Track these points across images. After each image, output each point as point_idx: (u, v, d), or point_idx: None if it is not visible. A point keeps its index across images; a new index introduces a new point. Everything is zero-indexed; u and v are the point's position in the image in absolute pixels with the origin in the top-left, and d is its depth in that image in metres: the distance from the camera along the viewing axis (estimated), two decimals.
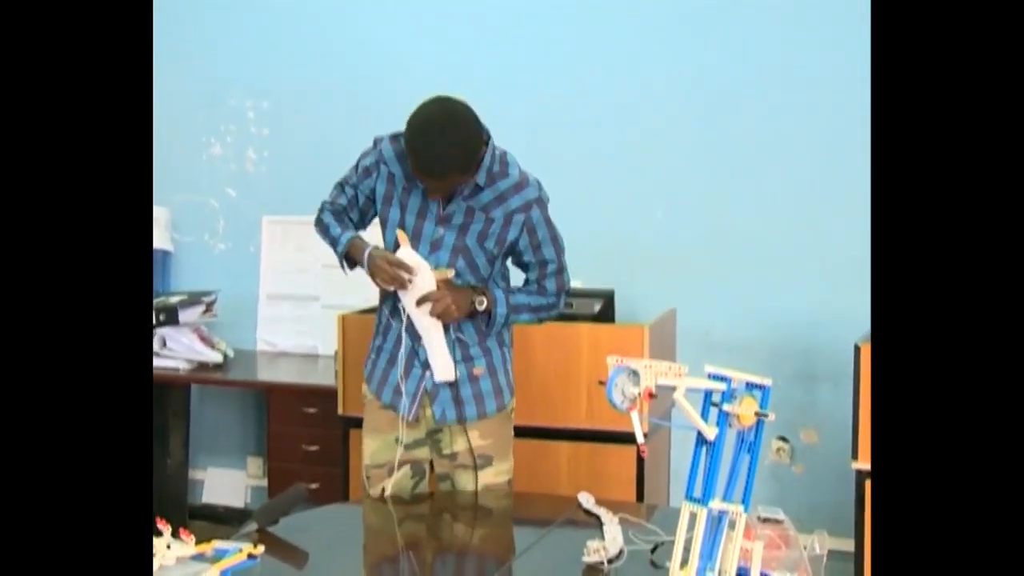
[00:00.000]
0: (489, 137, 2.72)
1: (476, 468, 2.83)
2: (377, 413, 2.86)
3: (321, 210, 2.89)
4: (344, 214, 2.86)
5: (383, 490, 2.85)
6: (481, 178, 2.69)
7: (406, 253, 2.68)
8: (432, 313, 2.67)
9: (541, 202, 2.76)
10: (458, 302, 2.69)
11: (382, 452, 2.84)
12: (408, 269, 2.66)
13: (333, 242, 2.83)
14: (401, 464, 2.83)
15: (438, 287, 2.67)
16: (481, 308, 2.73)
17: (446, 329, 2.75)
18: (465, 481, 2.85)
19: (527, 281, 2.86)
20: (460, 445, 2.84)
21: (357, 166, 2.83)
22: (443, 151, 2.53)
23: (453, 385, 2.79)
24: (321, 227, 2.88)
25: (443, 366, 2.75)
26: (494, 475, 2.85)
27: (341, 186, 2.88)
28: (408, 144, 2.57)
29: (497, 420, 2.86)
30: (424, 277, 2.67)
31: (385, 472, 2.85)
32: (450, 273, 2.70)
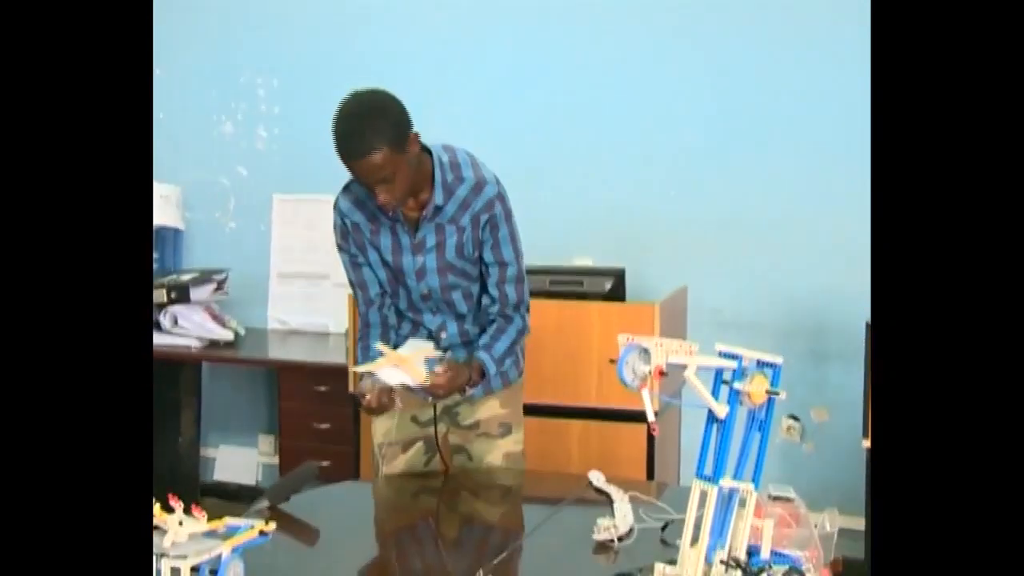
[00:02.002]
0: (430, 152, 2.63)
1: (500, 436, 2.84)
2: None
3: (362, 324, 2.83)
4: (382, 299, 2.80)
5: (395, 466, 2.85)
6: (439, 198, 2.62)
7: (387, 375, 2.57)
8: (426, 394, 2.64)
9: (502, 197, 2.68)
10: (449, 385, 2.61)
11: (397, 430, 2.84)
12: (391, 397, 2.60)
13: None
14: (416, 441, 2.85)
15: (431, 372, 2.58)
16: (472, 389, 2.71)
17: (461, 318, 2.77)
18: (483, 450, 2.86)
19: (489, 296, 2.76)
20: (483, 414, 2.83)
21: (340, 247, 2.78)
22: (367, 126, 2.44)
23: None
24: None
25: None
26: (513, 443, 2.87)
27: (351, 282, 2.82)
28: (334, 137, 2.48)
29: (514, 389, 2.87)
30: (410, 372, 2.56)
31: (399, 449, 2.85)
32: (435, 353, 2.63)
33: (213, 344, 4.66)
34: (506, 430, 2.86)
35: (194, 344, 4.63)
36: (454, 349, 2.81)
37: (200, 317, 4.65)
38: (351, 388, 2.69)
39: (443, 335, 2.79)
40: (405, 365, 2.55)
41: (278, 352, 4.73)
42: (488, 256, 2.71)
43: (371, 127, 2.44)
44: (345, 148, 2.47)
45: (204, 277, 4.74)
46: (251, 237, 5.10)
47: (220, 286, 4.79)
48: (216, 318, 4.71)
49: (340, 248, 2.79)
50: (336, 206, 2.74)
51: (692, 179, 4.45)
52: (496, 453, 2.86)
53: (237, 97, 5.10)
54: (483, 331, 2.77)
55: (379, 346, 2.62)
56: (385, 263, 2.73)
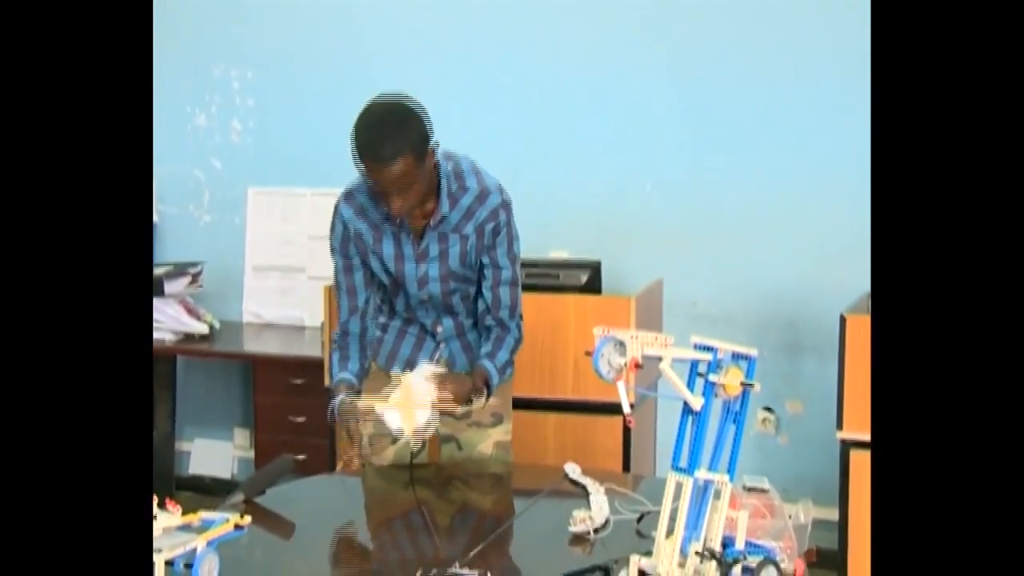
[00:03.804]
0: (437, 162, 2.61)
1: (491, 426, 2.86)
2: (384, 381, 2.84)
3: (340, 332, 2.79)
4: (366, 307, 2.78)
5: (385, 457, 2.84)
6: (444, 207, 2.61)
7: (390, 418, 2.52)
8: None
9: (506, 206, 2.69)
10: (458, 402, 2.61)
11: None
12: (368, 453, 2.59)
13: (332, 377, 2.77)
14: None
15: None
16: (479, 399, 2.70)
17: (456, 314, 2.78)
18: (475, 440, 2.87)
19: (484, 300, 2.76)
20: (475, 403, 2.83)
21: (333, 249, 2.75)
22: (395, 132, 2.42)
23: (469, 352, 2.82)
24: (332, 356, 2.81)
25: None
26: (503, 433, 2.90)
27: (339, 286, 2.78)
28: (356, 138, 2.45)
29: (505, 380, 2.86)
30: (409, 418, 2.52)
31: (389, 440, 2.85)
32: (442, 368, 2.63)
33: (188, 337, 4.64)
34: (497, 420, 2.88)
35: (168, 337, 4.61)
36: (448, 341, 2.83)
37: (174, 310, 4.63)
38: (327, 382, 2.69)
39: (439, 329, 2.81)
40: (405, 410, 2.51)
41: (253, 345, 4.71)
42: (485, 259, 2.72)
43: (399, 133, 2.43)
44: (369, 152, 2.43)
45: (178, 270, 4.72)
46: (225, 230, 5.07)
47: (195, 279, 4.77)
48: (191, 311, 4.69)
49: (334, 251, 2.76)
50: (338, 213, 2.71)
51: (668, 173, 4.46)
52: (487, 442, 2.87)
53: (211, 89, 5.07)
54: (477, 327, 2.80)
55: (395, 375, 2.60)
56: (386, 271, 2.72)
